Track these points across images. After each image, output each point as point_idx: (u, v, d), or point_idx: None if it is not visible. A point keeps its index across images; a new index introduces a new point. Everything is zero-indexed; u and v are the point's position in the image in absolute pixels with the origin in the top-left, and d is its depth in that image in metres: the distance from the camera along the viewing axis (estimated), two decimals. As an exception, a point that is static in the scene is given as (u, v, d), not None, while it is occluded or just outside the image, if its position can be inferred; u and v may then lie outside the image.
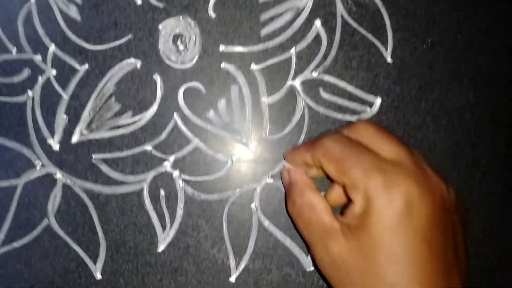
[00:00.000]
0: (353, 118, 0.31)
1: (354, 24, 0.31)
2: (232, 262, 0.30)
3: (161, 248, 0.30)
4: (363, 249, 0.22)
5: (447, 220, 0.23)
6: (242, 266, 0.30)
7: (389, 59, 0.31)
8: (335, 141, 0.25)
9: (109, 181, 0.31)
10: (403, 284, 0.21)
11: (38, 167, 0.31)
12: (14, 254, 0.30)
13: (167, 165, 0.31)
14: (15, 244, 0.30)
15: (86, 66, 0.31)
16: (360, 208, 0.23)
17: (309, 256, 0.30)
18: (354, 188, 0.23)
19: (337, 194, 0.26)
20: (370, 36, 0.31)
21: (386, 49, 0.31)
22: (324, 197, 0.26)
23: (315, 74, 0.31)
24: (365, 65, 0.31)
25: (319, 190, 0.26)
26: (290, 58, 0.31)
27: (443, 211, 0.23)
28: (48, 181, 0.31)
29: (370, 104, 0.31)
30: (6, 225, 0.30)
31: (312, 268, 0.30)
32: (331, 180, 0.26)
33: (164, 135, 0.31)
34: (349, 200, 0.24)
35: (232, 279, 0.30)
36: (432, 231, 0.22)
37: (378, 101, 0.31)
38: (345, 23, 0.31)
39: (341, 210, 0.26)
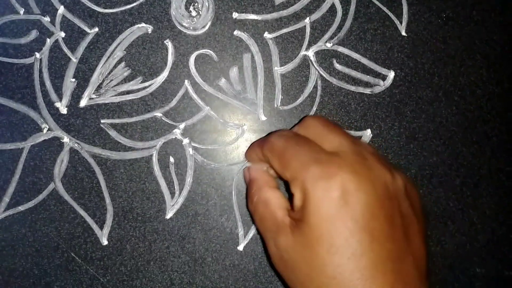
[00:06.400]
0: (366, 90, 0.31)
1: (370, -4, 0.31)
2: (240, 231, 0.30)
3: (169, 215, 0.30)
4: (305, 242, 0.22)
5: (393, 208, 0.22)
6: (250, 235, 0.30)
7: (403, 33, 0.31)
8: (279, 136, 0.25)
9: (117, 146, 0.30)
10: (344, 277, 0.21)
11: (44, 131, 0.30)
12: (19, 217, 0.30)
13: (177, 132, 0.30)
14: (20, 208, 0.30)
15: (96, 29, 0.31)
16: (300, 200, 0.22)
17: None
18: (294, 181, 0.23)
19: None
20: (385, 9, 0.31)
21: (401, 23, 0.31)
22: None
23: (329, 45, 0.31)
24: (380, 38, 0.31)
25: (278, 187, 0.26)
26: (304, 28, 0.31)
27: (385, 199, 0.22)
28: (55, 145, 0.30)
29: (383, 77, 0.31)
30: (11, 188, 0.30)
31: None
32: (281, 179, 0.25)
33: (174, 102, 0.30)
34: (293, 195, 0.23)
35: (240, 247, 0.30)
36: (373, 219, 0.21)
37: (391, 74, 0.31)
38: (360, -6, 0.31)
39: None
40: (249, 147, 0.29)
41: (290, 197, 0.24)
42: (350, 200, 0.21)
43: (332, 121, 0.26)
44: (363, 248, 0.21)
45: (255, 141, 0.28)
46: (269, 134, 0.26)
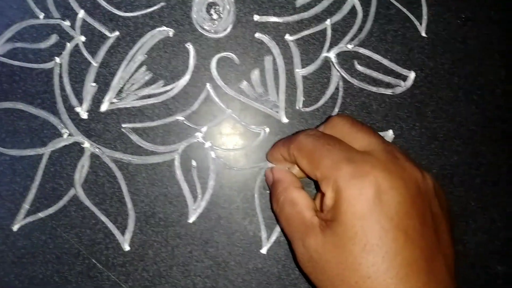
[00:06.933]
0: (387, 91, 0.31)
1: (389, -2, 0.31)
2: (263, 234, 0.30)
3: (192, 219, 0.30)
4: (338, 242, 0.22)
5: (424, 206, 0.22)
6: (273, 238, 0.30)
7: (423, 34, 0.31)
8: (308, 135, 0.25)
9: (139, 151, 0.30)
10: (378, 276, 0.20)
11: (65, 136, 0.30)
12: (39, 224, 0.29)
13: (199, 136, 0.30)
14: (41, 215, 0.29)
15: (117, 33, 0.30)
16: (331, 200, 0.22)
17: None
18: (325, 180, 0.23)
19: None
20: (405, 10, 0.31)
21: (421, 24, 0.31)
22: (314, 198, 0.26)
23: (350, 47, 0.31)
24: (400, 39, 0.31)
25: (303, 188, 0.26)
26: (325, 30, 0.31)
27: (417, 197, 0.22)
28: (75, 150, 0.30)
29: (404, 78, 0.31)
30: (31, 195, 0.29)
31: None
32: (311, 179, 0.25)
33: (196, 105, 0.30)
34: (323, 195, 0.23)
35: (263, 250, 0.30)
36: (407, 217, 0.21)
37: (412, 75, 0.31)
38: (380, -4, 0.31)
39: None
40: (272, 147, 0.29)
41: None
42: (384, 198, 0.21)
43: (359, 120, 0.26)
44: (397, 246, 0.21)
45: (278, 141, 0.28)
46: (293, 135, 0.26)
